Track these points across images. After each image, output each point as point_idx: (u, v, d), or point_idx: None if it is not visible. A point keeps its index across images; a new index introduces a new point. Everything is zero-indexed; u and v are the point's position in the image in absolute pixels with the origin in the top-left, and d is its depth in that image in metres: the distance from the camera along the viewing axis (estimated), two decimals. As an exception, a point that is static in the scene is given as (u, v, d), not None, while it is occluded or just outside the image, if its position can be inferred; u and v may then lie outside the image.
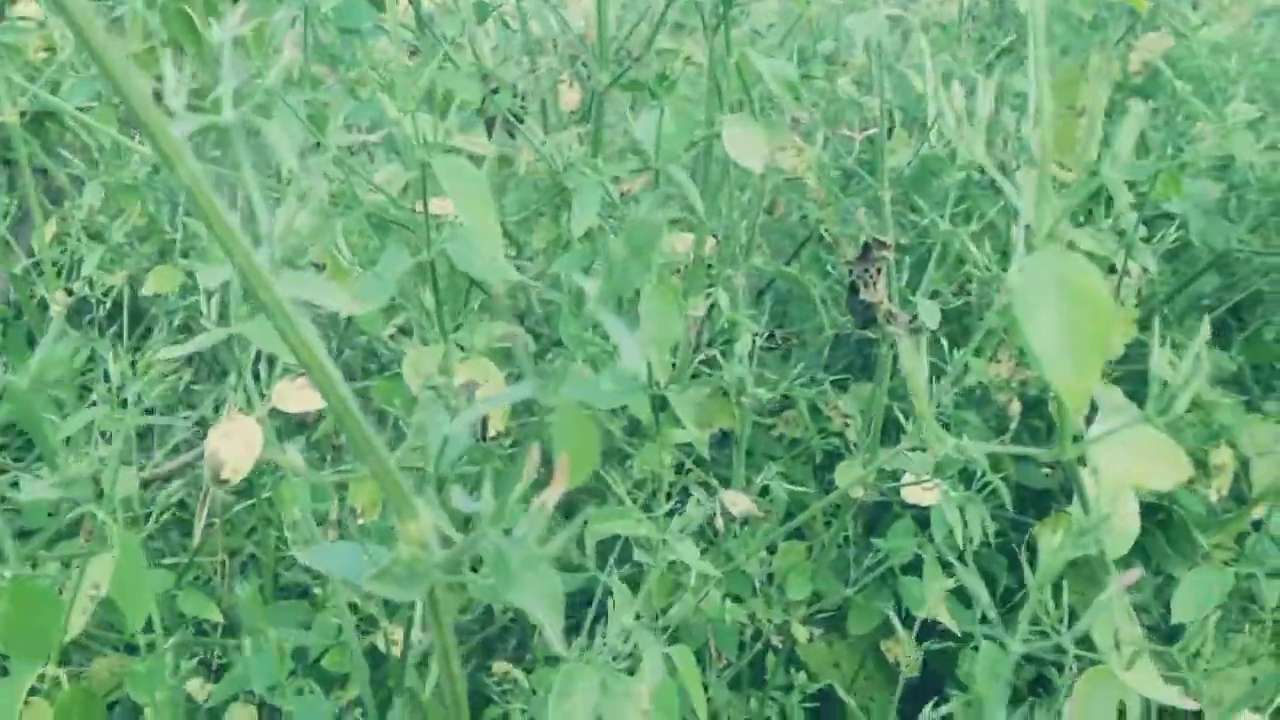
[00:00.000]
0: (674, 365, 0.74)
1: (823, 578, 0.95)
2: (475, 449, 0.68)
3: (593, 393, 0.69)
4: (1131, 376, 1.12)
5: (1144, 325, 1.11)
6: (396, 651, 0.89)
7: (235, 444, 0.62)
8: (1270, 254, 1.10)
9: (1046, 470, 1.25)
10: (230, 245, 0.31)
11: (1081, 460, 0.41)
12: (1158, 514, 1.05)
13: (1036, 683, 1.14)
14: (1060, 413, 0.39)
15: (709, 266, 0.82)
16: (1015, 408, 1.06)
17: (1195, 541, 1.01)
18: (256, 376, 0.65)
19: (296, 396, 0.63)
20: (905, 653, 1.11)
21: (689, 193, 0.64)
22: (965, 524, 0.85)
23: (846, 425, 1.00)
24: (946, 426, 0.86)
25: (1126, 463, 0.40)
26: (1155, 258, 0.93)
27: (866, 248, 0.77)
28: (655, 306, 0.62)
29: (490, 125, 0.81)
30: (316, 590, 1.03)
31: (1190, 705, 0.49)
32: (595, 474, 0.89)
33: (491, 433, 0.64)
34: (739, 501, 0.80)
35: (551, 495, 0.35)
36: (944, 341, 0.93)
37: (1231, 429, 1.01)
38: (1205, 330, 0.47)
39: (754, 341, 0.80)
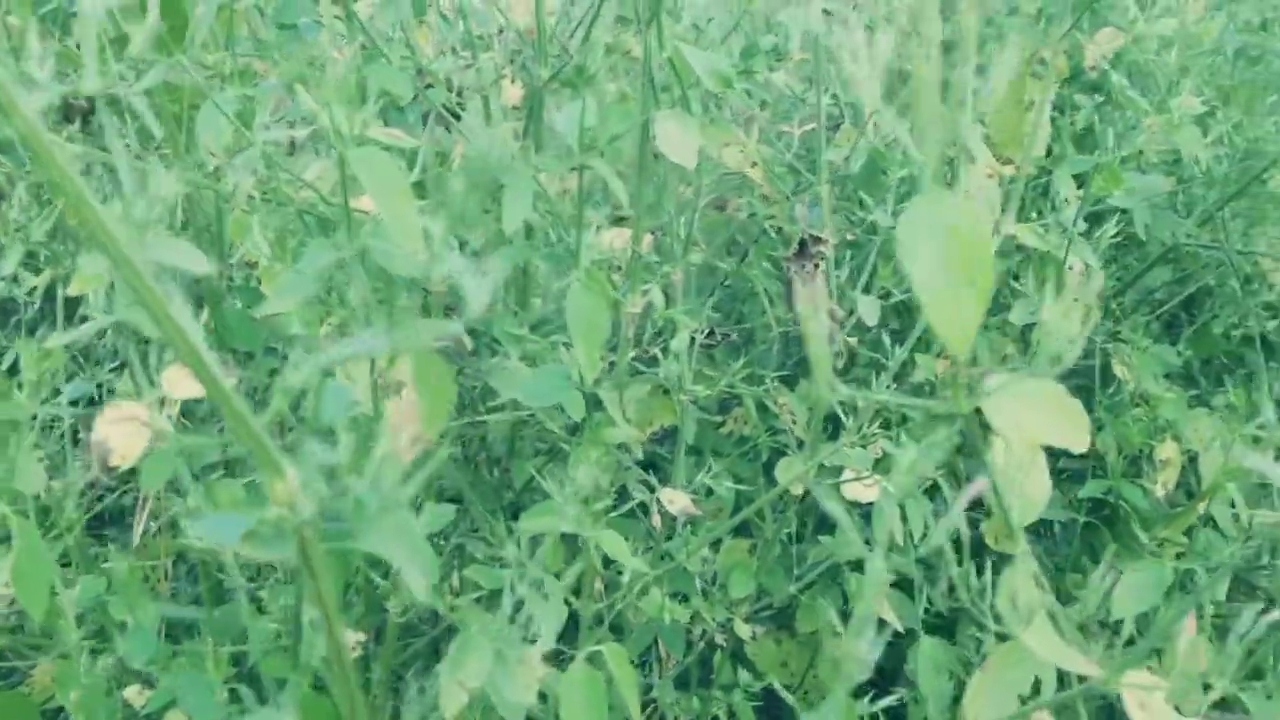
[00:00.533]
0: (613, 363, 0.73)
1: (770, 575, 0.95)
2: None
3: (524, 390, 0.68)
4: (1077, 372, 1.12)
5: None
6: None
7: (123, 431, 0.61)
8: (1216, 248, 1.10)
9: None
10: (74, 197, 0.30)
11: (981, 419, 0.41)
12: (1103, 509, 1.06)
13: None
14: (953, 366, 0.39)
15: (659, 262, 0.81)
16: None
17: (1139, 537, 1.01)
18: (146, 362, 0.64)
19: (186, 382, 0.62)
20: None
21: (614, 187, 0.63)
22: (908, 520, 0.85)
23: (794, 423, 0.99)
24: (888, 424, 0.86)
25: (1024, 418, 0.39)
26: (1097, 252, 0.92)
27: (803, 244, 0.77)
28: (582, 303, 0.61)
29: (427, 120, 0.80)
30: (262, 594, 1.02)
31: (1094, 671, 0.49)
32: (537, 474, 0.88)
33: (428, 437, 0.63)
34: (677, 500, 0.79)
35: (405, 438, 0.34)
36: (886, 338, 0.93)
37: (1177, 423, 1.01)
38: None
39: (693, 338, 0.79)
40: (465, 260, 0.35)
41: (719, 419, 1.09)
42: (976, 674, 0.57)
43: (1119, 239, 1.18)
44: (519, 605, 0.55)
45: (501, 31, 0.93)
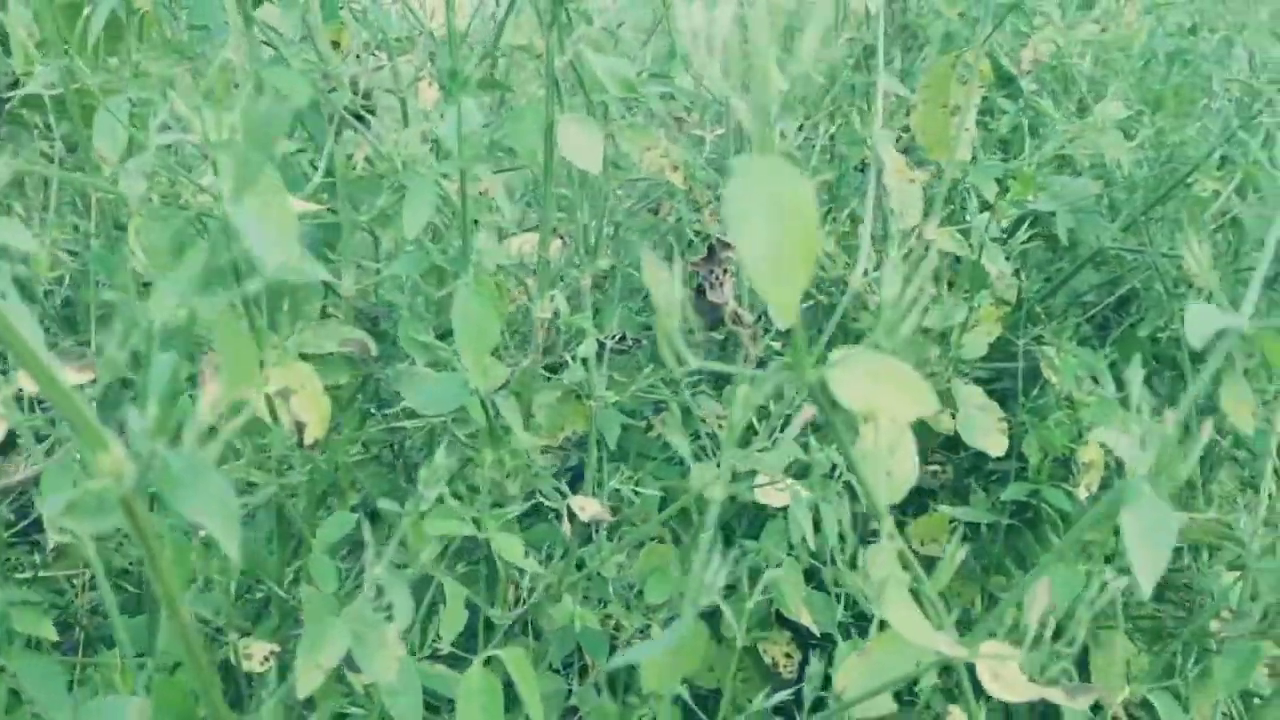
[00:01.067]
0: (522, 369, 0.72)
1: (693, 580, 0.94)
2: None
3: (419, 397, 0.67)
4: (1002, 375, 1.13)
5: (1015, 325, 1.11)
6: (250, 665, 0.87)
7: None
8: (1138, 251, 1.11)
9: (933, 466, 1.26)
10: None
11: (826, 391, 0.41)
12: (1026, 512, 1.06)
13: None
14: (792, 336, 0.39)
15: (577, 266, 0.81)
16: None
17: (1060, 539, 1.01)
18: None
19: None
20: (782, 653, 1.11)
21: (497, 191, 0.62)
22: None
23: (720, 427, 0.99)
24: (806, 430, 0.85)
25: (866, 389, 0.39)
26: (1011, 257, 0.93)
27: (711, 249, 0.76)
28: (470, 309, 0.60)
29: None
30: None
31: (960, 654, 0.49)
32: (451, 480, 0.87)
33: (309, 440, 0.62)
34: (589, 506, 0.78)
35: (209, 399, 0.34)
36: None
37: (1100, 426, 1.01)
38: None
39: (602, 344, 0.79)
40: (247, 214, 0.34)
41: (645, 423, 1.08)
42: (852, 656, 0.57)
43: (1047, 244, 1.18)
44: (379, 590, 0.55)
45: (421, 34, 0.92)
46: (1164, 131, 1.14)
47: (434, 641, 0.73)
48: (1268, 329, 0.50)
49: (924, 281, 0.41)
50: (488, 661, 0.76)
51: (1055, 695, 0.48)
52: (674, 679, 0.46)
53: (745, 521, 1.12)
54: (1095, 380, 1.16)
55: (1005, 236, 1.26)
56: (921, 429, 1.21)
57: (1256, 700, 0.90)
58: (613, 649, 0.99)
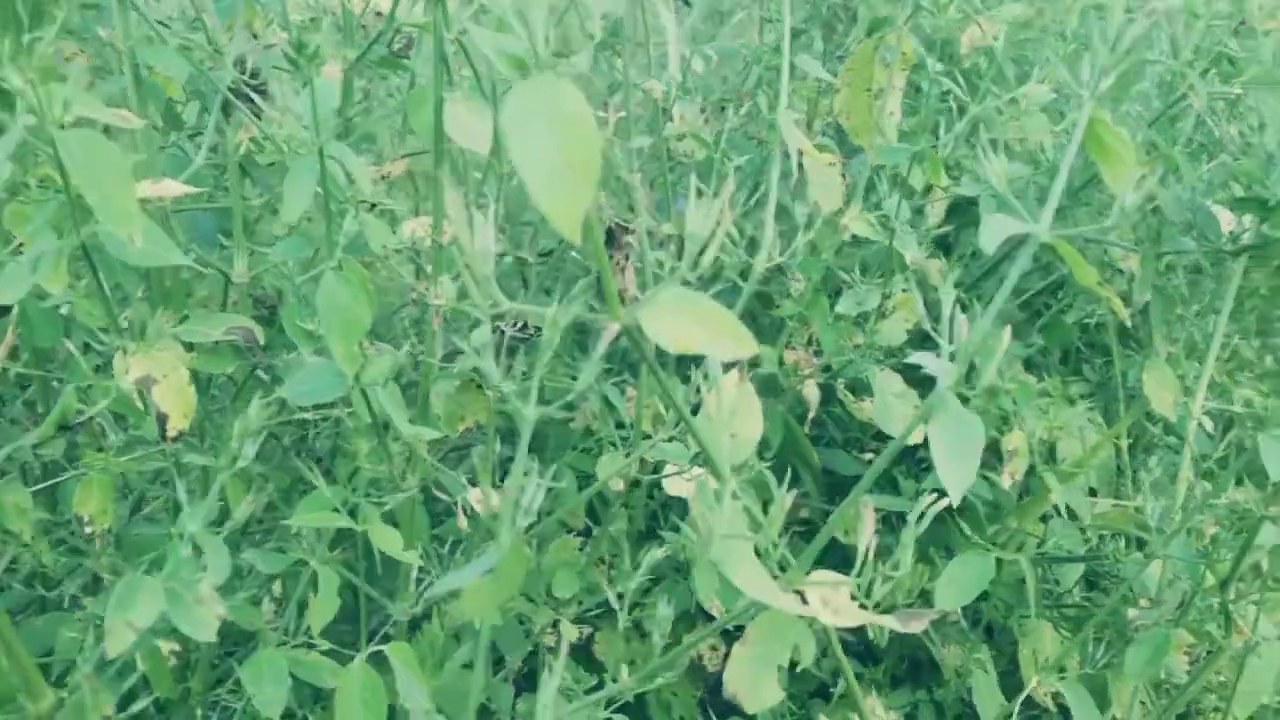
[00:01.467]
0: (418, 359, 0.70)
1: (620, 574, 0.92)
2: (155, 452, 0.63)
3: (292, 388, 0.65)
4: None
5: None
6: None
7: None
8: (1066, 236, 1.09)
9: (869, 455, 1.25)
10: None
11: (642, 334, 0.39)
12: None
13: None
14: (603, 275, 0.37)
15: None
16: (814, 394, 1.05)
17: (984, 527, 1.00)
18: None
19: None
20: (708, 646, 1.10)
21: (351, 168, 0.60)
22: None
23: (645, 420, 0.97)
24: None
25: (679, 329, 0.37)
26: (924, 243, 0.91)
27: (610, 233, 0.74)
28: (336, 295, 0.58)
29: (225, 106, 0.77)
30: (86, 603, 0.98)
31: (789, 604, 0.47)
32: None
33: (172, 432, 0.60)
34: (486, 498, 0.76)
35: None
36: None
37: (1022, 413, 1.00)
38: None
39: (501, 331, 0.77)
40: None
41: (569, 415, 1.06)
42: (736, 646, 0.56)
43: (976, 230, 1.17)
44: (197, 550, 0.53)
45: (327, 13, 0.90)
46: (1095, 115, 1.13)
47: (310, 635, 0.70)
48: (1066, 237, 0.49)
49: (724, 213, 0.40)
50: (377, 657, 0.74)
51: (888, 621, 0.47)
52: (493, 606, 0.44)
53: (676, 513, 1.10)
54: (1029, 366, 1.15)
55: (937, 225, 1.25)
56: (849, 420, 1.20)
57: (1173, 689, 0.89)
58: (533, 650, 0.98)
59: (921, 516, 0.54)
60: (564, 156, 0.34)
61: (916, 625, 0.55)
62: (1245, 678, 0.81)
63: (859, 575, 0.53)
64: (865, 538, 0.55)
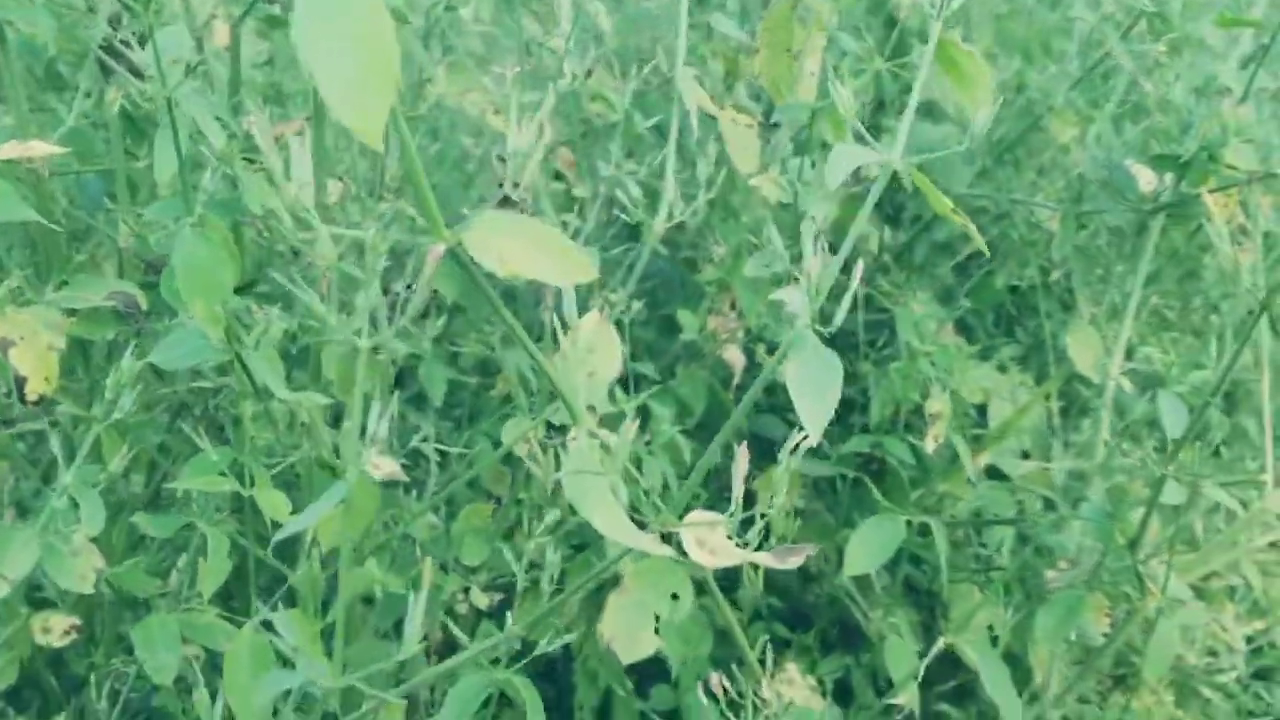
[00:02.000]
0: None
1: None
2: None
3: (159, 353, 0.63)
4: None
5: (871, 277, 1.09)
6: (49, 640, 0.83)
7: None
8: (990, 199, 1.09)
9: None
10: None
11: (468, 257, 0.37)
12: (872, 465, 1.04)
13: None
14: (420, 197, 0.36)
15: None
16: (737, 359, 1.03)
17: (907, 491, 1.00)
18: None
19: None
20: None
21: (203, 123, 0.58)
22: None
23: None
24: (625, 384, 0.83)
25: (509, 249, 0.36)
26: (828, 202, 0.89)
27: (507, 200, 0.73)
28: (195, 252, 0.56)
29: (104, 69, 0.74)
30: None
31: (656, 548, 0.46)
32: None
33: (32, 395, 0.58)
34: (382, 464, 0.75)
35: None
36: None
37: (945, 376, 0.99)
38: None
39: (386, 290, 0.75)
40: None
41: (488, 381, 1.05)
42: (611, 595, 0.54)
43: (902, 194, 1.16)
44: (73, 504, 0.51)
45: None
46: (1022, 75, 1.12)
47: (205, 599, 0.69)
48: (918, 162, 0.48)
49: (544, 129, 0.38)
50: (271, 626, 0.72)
51: (762, 559, 0.46)
52: (348, 537, 0.42)
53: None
54: (960, 330, 1.14)
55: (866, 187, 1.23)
56: (776, 385, 1.18)
57: (1088, 651, 0.88)
58: (448, 613, 0.96)
59: (794, 450, 0.53)
60: (361, 67, 0.32)
61: (793, 561, 0.53)
62: (1154, 639, 0.80)
63: (732, 516, 0.52)
64: (739, 477, 0.54)
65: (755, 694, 0.64)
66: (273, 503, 0.66)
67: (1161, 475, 0.72)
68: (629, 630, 0.54)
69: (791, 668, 0.94)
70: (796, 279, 0.99)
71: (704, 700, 0.67)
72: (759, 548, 0.53)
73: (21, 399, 0.58)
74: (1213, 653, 1.03)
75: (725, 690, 0.67)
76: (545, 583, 0.62)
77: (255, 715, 0.68)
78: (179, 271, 0.55)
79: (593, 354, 0.47)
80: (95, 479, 0.61)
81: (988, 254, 0.54)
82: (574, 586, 0.60)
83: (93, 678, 0.77)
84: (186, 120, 0.63)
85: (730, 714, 0.67)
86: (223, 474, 0.66)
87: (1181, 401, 0.68)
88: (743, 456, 0.50)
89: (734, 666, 1.03)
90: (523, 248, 0.36)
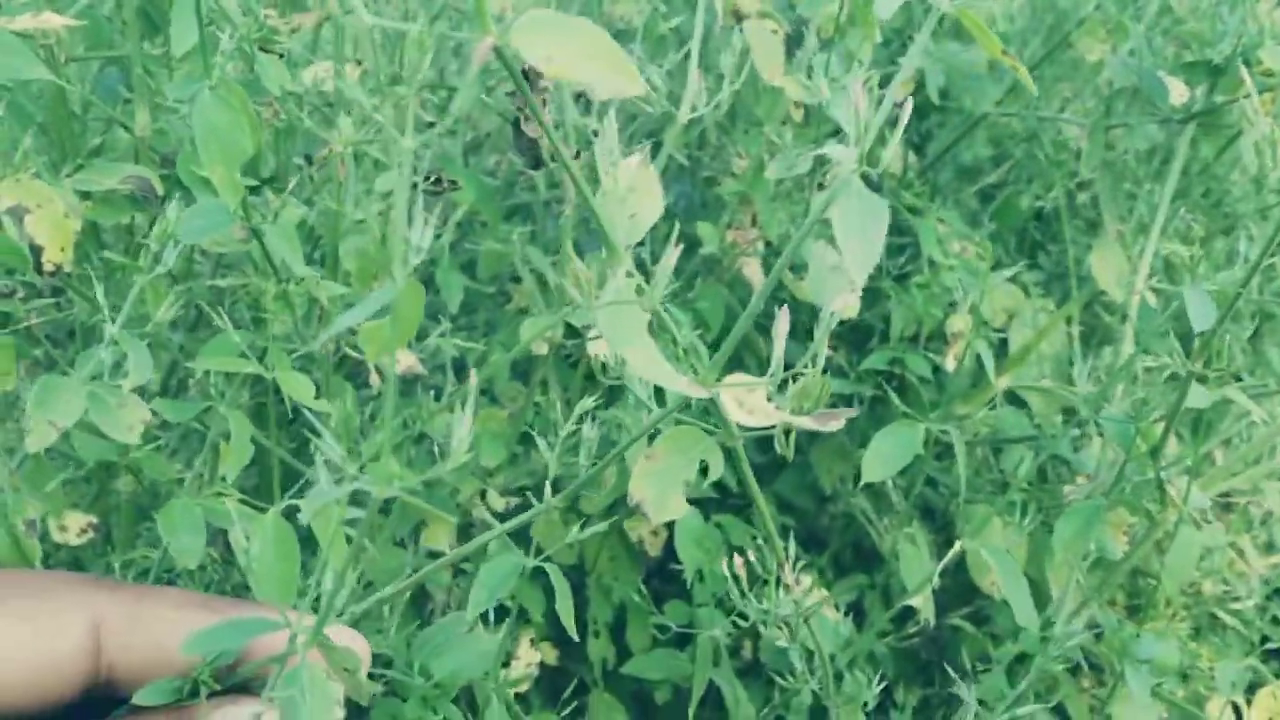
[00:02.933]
0: (270, 188, 0.68)
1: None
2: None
3: (181, 225, 0.63)
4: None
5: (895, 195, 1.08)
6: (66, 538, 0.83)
7: None
8: (1017, 116, 1.07)
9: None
10: None
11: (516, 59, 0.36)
12: (892, 382, 1.03)
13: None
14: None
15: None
16: (757, 274, 1.03)
17: (926, 410, 0.99)
18: None
19: None
20: (649, 531, 1.08)
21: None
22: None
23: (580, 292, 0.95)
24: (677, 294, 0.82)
25: (559, 51, 0.34)
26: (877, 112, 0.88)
27: (525, 75, 0.71)
28: (214, 118, 0.55)
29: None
30: None
31: (694, 389, 0.46)
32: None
33: (49, 265, 0.58)
34: (401, 358, 0.75)
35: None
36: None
37: (966, 292, 0.98)
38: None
39: (415, 185, 0.74)
40: None
41: (502, 294, 1.04)
42: (641, 460, 0.54)
43: (927, 109, 1.14)
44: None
45: None
46: (1051, -10, 1.10)
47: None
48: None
49: None
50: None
51: (803, 422, 0.46)
52: (394, 346, 0.42)
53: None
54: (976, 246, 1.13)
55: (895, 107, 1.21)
56: (797, 305, 1.18)
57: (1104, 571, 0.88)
58: (464, 527, 0.96)
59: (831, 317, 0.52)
60: None
61: (833, 424, 0.53)
62: (1174, 548, 0.79)
63: (772, 376, 0.52)
64: (780, 337, 0.53)
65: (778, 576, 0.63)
66: (295, 385, 0.66)
67: (1188, 373, 0.71)
68: (659, 493, 0.53)
69: (806, 580, 0.94)
70: (821, 185, 0.98)
71: (727, 574, 0.67)
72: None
73: (39, 269, 0.57)
74: (1227, 582, 1.02)
75: (747, 568, 0.67)
76: (583, 458, 0.61)
77: (281, 599, 0.69)
78: (198, 136, 0.55)
79: (634, 194, 0.46)
80: (142, 331, 0.60)
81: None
82: (610, 456, 0.60)
83: (117, 567, 0.77)
84: (204, -3, 0.62)
85: (750, 592, 0.67)
86: (243, 355, 0.66)
87: (1209, 295, 0.66)
88: (783, 318, 0.50)
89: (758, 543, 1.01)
90: (573, 50, 0.35)
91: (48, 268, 0.58)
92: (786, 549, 1.06)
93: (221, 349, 0.65)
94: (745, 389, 0.48)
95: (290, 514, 0.72)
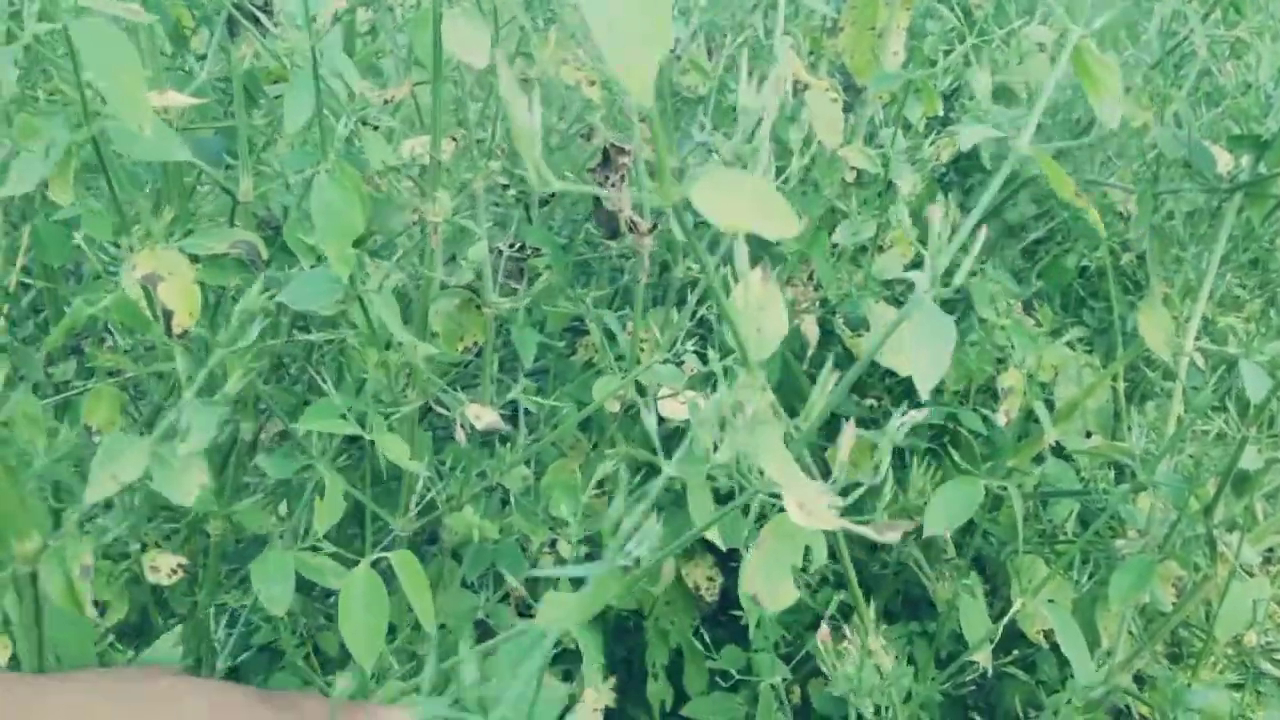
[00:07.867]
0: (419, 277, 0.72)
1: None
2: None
3: (289, 293, 0.67)
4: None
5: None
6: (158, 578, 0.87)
7: None
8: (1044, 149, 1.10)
9: (869, 401, 1.26)
10: None
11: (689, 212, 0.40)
12: (944, 436, 1.06)
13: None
14: (660, 154, 0.38)
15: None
16: (813, 331, 1.06)
17: (979, 464, 1.02)
18: None
19: None
20: (704, 576, 1.12)
21: (348, 75, 0.62)
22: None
23: (643, 348, 0.98)
24: (704, 341, 0.86)
25: (727, 206, 0.38)
26: (921, 173, 0.92)
27: (606, 155, 0.76)
28: (330, 197, 0.59)
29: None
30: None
31: (882, 535, 0.49)
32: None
33: (178, 329, 0.62)
34: (483, 415, 0.78)
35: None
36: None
37: (1016, 350, 1.01)
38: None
39: (499, 251, 0.78)
40: None
41: (568, 348, 1.08)
42: (752, 551, 0.57)
43: (972, 168, 1.18)
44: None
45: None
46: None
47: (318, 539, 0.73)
48: (1047, 149, 0.50)
49: (777, 89, 0.41)
50: (378, 565, 0.76)
51: (866, 530, 0.49)
52: (576, 620, 0.45)
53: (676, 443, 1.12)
54: (1028, 311, 1.16)
55: (944, 169, 1.25)
56: (849, 360, 1.21)
57: (1159, 616, 0.90)
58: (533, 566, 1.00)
59: (899, 427, 0.56)
60: (636, 16, 0.33)
61: (892, 535, 0.56)
62: (1228, 600, 0.82)
63: (834, 483, 0.55)
64: (844, 449, 0.57)
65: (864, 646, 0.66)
66: (392, 446, 0.70)
67: (1242, 437, 0.74)
68: (770, 583, 0.57)
69: (879, 641, 0.97)
70: (881, 249, 1.02)
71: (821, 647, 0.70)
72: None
73: (169, 332, 0.61)
74: (1267, 632, 1.05)
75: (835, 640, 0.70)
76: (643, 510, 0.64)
77: (368, 649, 0.72)
78: (315, 214, 0.59)
79: (761, 311, 0.49)
80: (214, 400, 0.64)
81: (1103, 234, 0.56)
82: (670, 547, 0.63)
83: (211, 610, 0.81)
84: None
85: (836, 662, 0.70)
86: (343, 417, 0.70)
87: (1262, 369, 0.70)
88: (850, 430, 0.53)
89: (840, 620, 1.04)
90: (743, 203, 0.39)
91: (177, 330, 0.62)
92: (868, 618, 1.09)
93: (323, 412, 0.68)
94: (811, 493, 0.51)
95: (377, 564, 0.76)
